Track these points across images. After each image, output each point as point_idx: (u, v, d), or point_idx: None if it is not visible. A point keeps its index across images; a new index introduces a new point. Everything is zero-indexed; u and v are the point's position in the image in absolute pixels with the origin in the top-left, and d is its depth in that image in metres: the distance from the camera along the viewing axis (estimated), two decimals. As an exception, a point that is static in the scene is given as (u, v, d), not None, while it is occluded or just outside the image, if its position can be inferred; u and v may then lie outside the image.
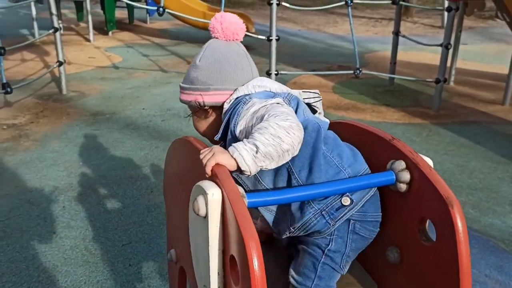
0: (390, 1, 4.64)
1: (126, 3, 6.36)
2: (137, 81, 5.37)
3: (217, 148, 1.05)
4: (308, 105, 1.28)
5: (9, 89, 3.84)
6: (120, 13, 9.39)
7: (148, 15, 9.42)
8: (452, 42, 4.40)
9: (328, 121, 1.29)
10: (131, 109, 4.41)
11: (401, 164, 1.17)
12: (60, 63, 4.64)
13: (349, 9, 4.46)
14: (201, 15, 7.04)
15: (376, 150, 1.25)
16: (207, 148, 1.07)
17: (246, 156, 1.02)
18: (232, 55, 1.27)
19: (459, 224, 1.07)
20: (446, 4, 9.52)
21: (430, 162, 1.20)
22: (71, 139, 3.66)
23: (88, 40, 7.56)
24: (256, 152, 1.02)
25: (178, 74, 5.71)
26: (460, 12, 4.75)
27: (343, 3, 4.43)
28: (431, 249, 1.14)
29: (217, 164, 1.01)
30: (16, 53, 6.16)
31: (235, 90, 1.24)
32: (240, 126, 1.13)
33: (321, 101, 1.33)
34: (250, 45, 7.79)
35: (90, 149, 3.48)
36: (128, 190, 2.89)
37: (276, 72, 4.43)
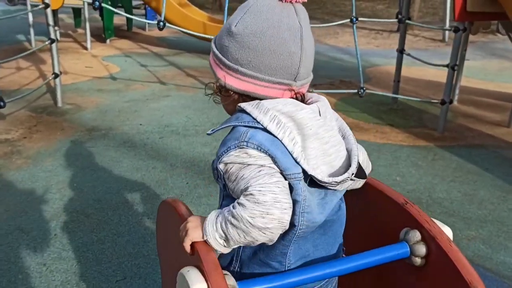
0: (396, 20, 4.54)
1: (126, 17, 6.23)
2: (135, 94, 5.24)
3: (191, 222, 1.00)
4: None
5: (2, 103, 3.70)
6: (119, 19, 9.27)
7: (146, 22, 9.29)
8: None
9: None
10: (128, 124, 4.28)
11: (416, 235, 1.05)
12: (56, 75, 4.51)
13: (354, 27, 4.35)
14: (201, 26, 6.93)
15: (388, 215, 1.13)
16: (183, 223, 1.01)
17: (215, 245, 0.97)
18: (281, 30, 0.96)
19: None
20: (448, 17, 9.49)
21: (449, 232, 1.07)
22: (65, 157, 3.52)
23: (86, 48, 7.43)
24: (227, 243, 0.97)
25: (176, 87, 5.58)
26: (461, 34, 4.65)
27: (347, 20, 4.32)
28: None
29: (200, 242, 0.97)
30: (11, 61, 6.01)
31: (257, 103, 0.98)
32: (221, 166, 1.01)
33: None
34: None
35: (85, 169, 3.35)
36: (123, 216, 2.76)
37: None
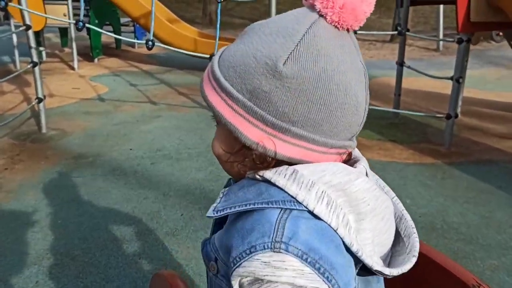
0: (396, 32, 4.36)
1: (114, 37, 6.01)
2: (124, 116, 5.00)
3: None
4: None
5: (-20, 133, 3.45)
6: (107, 38, 9.06)
7: (136, 39, 9.09)
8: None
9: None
10: (118, 149, 4.04)
11: None
12: (40, 100, 4.27)
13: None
14: (192, 42, 6.73)
15: None
16: None
17: None
18: (346, 73, 0.67)
19: None
20: (441, 26, 9.37)
21: None
22: (49, 190, 3.27)
23: (73, 68, 7.20)
24: None
25: (168, 107, 5.35)
26: (465, 45, 4.48)
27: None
28: None
29: None
30: (-6, 84, 5.77)
31: (293, 172, 0.67)
32: (236, 279, 0.66)
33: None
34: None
35: (70, 202, 3.10)
36: (112, 257, 2.50)
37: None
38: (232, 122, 0.68)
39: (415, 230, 0.80)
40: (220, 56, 0.73)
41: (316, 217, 0.66)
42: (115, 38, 8.78)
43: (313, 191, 0.66)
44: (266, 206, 0.67)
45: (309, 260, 0.62)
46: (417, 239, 0.79)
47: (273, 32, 0.68)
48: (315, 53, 0.65)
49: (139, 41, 4.41)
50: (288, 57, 0.64)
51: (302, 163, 0.69)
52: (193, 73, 7.14)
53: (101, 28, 7.80)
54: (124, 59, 8.14)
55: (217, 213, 0.72)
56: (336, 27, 0.67)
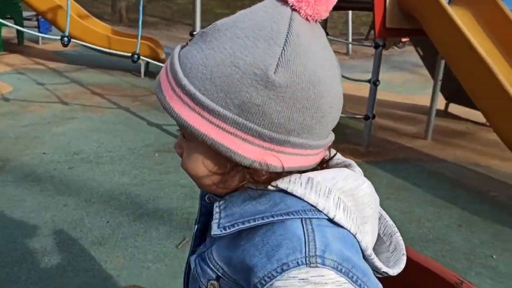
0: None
1: (16, 29, 5.55)
2: (33, 117, 4.63)
3: None
4: None
5: None
6: (8, 32, 8.36)
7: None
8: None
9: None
10: (29, 153, 3.72)
11: None
12: None
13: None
14: (106, 39, 6.42)
15: None
16: None
17: None
18: (329, 65, 0.64)
19: None
20: (350, 31, 9.86)
21: None
22: (-48, 200, 2.93)
23: (-31, 65, 6.55)
24: None
25: (82, 107, 5.04)
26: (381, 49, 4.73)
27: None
28: None
29: None
30: None
31: (308, 180, 0.64)
32: None
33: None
34: (159, 71, 7.28)
35: (-22, 213, 2.79)
36: (33, 271, 2.29)
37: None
38: (222, 142, 0.61)
39: (396, 229, 0.80)
40: (180, 62, 0.64)
41: (336, 224, 0.63)
42: (17, 33, 8.13)
43: (331, 198, 0.63)
44: (287, 217, 0.62)
45: (343, 270, 0.59)
46: (401, 238, 0.79)
47: (249, 35, 0.60)
48: (301, 55, 0.60)
49: (54, 37, 4.09)
50: (277, 63, 0.58)
51: (298, 170, 0.65)
52: (107, 72, 6.81)
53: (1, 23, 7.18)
54: (28, 56, 7.55)
55: (224, 230, 0.65)
56: (307, 19, 0.62)
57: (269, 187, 0.64)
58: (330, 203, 0.63)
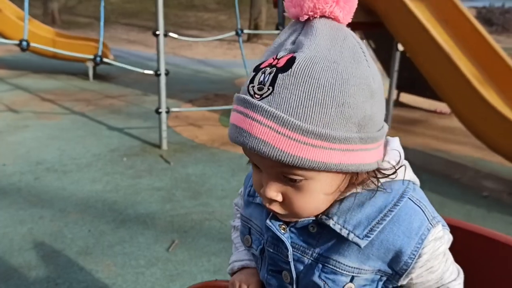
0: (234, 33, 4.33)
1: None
2: (-17, 127, 4.36)
3: None
4: None
5: None
6: None
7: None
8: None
9: None
10: (-13, 166, 3.50)
11: None
12: None
13: (240, 39, 4.22)
14: (51, 43, 6.14)
15: (502, 266, 0.96)
16: None
17: None
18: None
19: None
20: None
21: None
22: None
23: None
24: None
25: (34, 115, 4.81)
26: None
27: (233, 33, 4.17)
28: None
29: None
30: None
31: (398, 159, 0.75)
32: (416, 271, 0.74)
33: None
34: (108, 74, 7.08)
35: None
36: (22, 286, 2.17)
37: (167, 110, 3.95)
38: (351, 162, 0.65)
39: None
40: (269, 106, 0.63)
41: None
42: None
43: (409, 168, 0.76)
44: (402, 200, 0.72)
45: (441, 221, 0.76)
46: None
47: (332, 42, 0.65)
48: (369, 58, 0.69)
49: (7, 41, 3.85)
50: (374, 74, 0.66)
51: None
52: (52, 76, 6.52)
53: None
54: (-38, 63, 7.10)
55: (368, 237, 0.71)
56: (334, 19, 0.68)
57: (373, 185, 0.72)
58: (412, 173, 0.76)
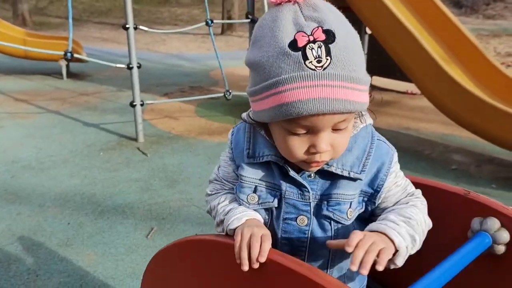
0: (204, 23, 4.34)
1: None
2: (-44, 130, 4.33)
3: (360, 235, 0.84)
4: None
5: None
6: None
7: None
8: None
9: None
10: (-37, 167, 3.49)
11: (495, 222, 0.99)
12: None
13: (210, 29, 4.26)
14: (21, 43, 6.09)
15: (449, 210, 1.06)
16: (357, 234, 0.84)
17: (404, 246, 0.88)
18: None
19: None
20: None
21: None
22: None
23: None
24: (412, 247, 0.90)
25: (9, 115, 4.78)
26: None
27: (203, 24, 4.21)
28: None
29: None
30: None
31: None
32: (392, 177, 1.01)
33: None
34: (82, 72, 7.04)
35: None
36: (2, 280, 2.20)
37: (141, 103, 3.98)
38: (366, 101, 0.86)
39: None
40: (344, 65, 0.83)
41: None
42: None
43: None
44: (374, 140, 0.99)
45: None
46: None
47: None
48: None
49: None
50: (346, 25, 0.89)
51: None
52: (25, 77, 6.47)
53: None
54: None
55: (363, 171, 0.96)
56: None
57: (360, 127, 0.97)
58: (369, 116, 0.99)
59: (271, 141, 0.96)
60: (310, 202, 0.97)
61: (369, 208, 1.00)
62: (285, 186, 0.97)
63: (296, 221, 0.99)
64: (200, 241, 0.95)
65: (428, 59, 3.46)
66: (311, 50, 0.80)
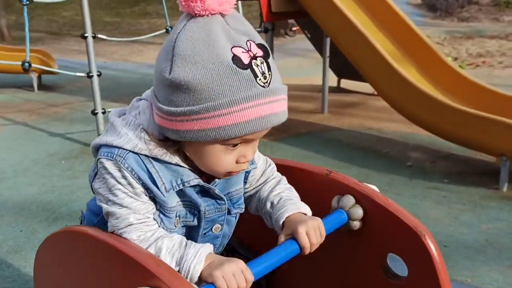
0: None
1: None
2: None
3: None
4: None
5: None
6: None
7: None
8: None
9: None
10: None
11: (350, 200, 1.05)
12: None
13: (171, 36, 4.30)
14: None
15: (313, 189, 1.11)
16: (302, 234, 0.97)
17: None
18: None
19: (435, 254, 0.97)
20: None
21: (376, 189, 1.10)
22: None
23: None
24: None
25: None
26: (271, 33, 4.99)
27: (163, 31, 4.26)
28: (402, 287, 1.03)
29: None
30: None
31: None
32: None
33: None
34: (54, 84, 7.04)
35: None
36: None
37: (103, 111, 3.99)
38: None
39: None
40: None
41: None
42: None
43: None
44: None
45: None
46: None
47: None
48: None
49: None
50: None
51: None
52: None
53: None
54: None
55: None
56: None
57: None
58: None
59: (185, 164, 0.92)
60: (225, 212, 1.04)
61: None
62: (203, 206, 0.99)
63: (211, 231, 1.05)
64: (70, 232, 0.99)
65: (380, 59, 3.52)
66: (257, 66, 0.81)
